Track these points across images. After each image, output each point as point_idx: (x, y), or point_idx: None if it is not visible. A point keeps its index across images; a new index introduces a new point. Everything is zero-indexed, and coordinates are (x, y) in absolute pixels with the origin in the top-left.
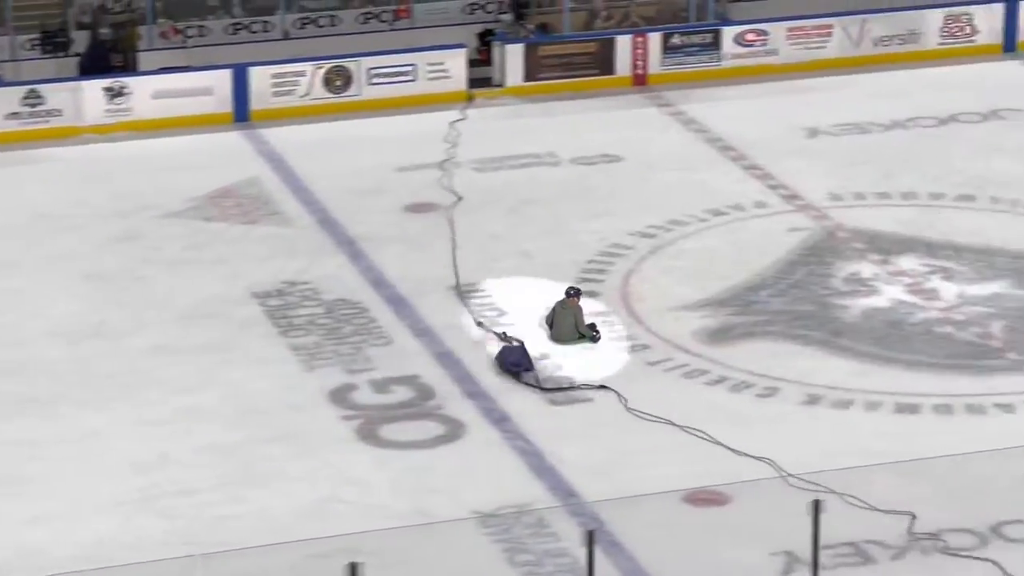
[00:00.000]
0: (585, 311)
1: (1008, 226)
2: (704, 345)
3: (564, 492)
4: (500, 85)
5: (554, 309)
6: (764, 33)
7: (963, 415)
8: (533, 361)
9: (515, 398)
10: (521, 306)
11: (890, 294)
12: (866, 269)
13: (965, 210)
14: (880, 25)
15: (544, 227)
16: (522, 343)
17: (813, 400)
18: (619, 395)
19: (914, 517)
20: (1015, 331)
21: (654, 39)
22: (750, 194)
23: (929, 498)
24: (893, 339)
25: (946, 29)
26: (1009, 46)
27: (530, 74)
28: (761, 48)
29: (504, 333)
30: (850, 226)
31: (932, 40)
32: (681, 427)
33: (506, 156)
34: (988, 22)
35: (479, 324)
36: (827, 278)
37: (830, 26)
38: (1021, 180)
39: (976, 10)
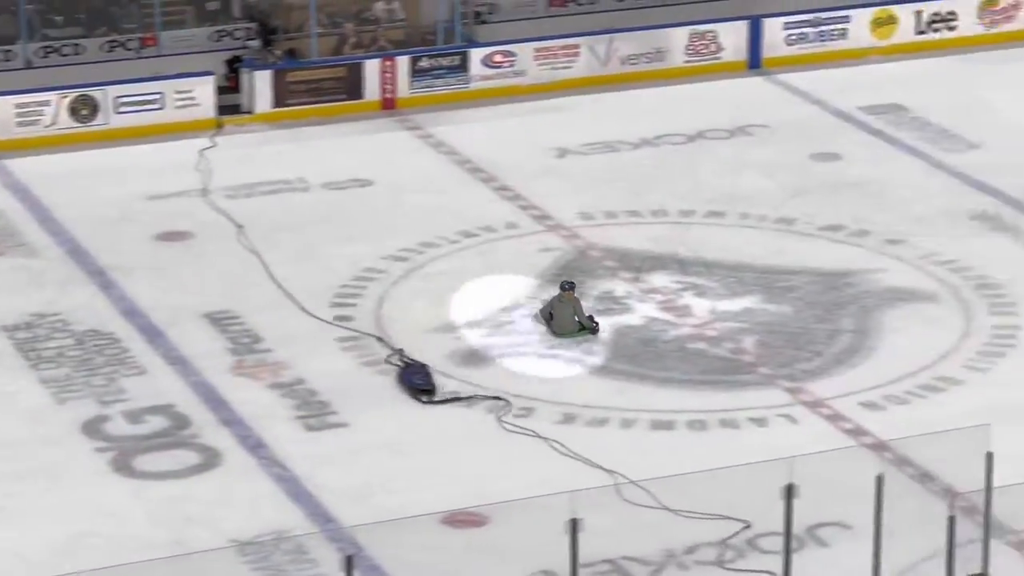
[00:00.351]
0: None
1: (757, 241)
2: (459, 367)
3: (322, 517)
4: (249, 112)
5: (551, 303)
6: (511, 54)
7: (717, 430)
8: (434, 383)
9: (271, 424)
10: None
11: (643, 312)
12: (618, 287)
13: (714, 226)
14: (627, 44)
15: (296, 253)
16: (424, 365)
17: (569, 419)
18: (507, 403)
19: (748, 525)
20: (766, 346)
21: (402, 63)
22: (501, 215)
23: (686, 513)
24: (647, 356)
25: (692, 47)
26: (754, 63)
27: (279, 100)
28: (509, 69)
29: (401, 351)
30: (601, 245)
31: (678, 58)
32: (545, 439)
33: (256, 183)
34: (733, 39)
35: (379, 340)
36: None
37: (577, 46)
38: (769, 195)
39: (721, 27)
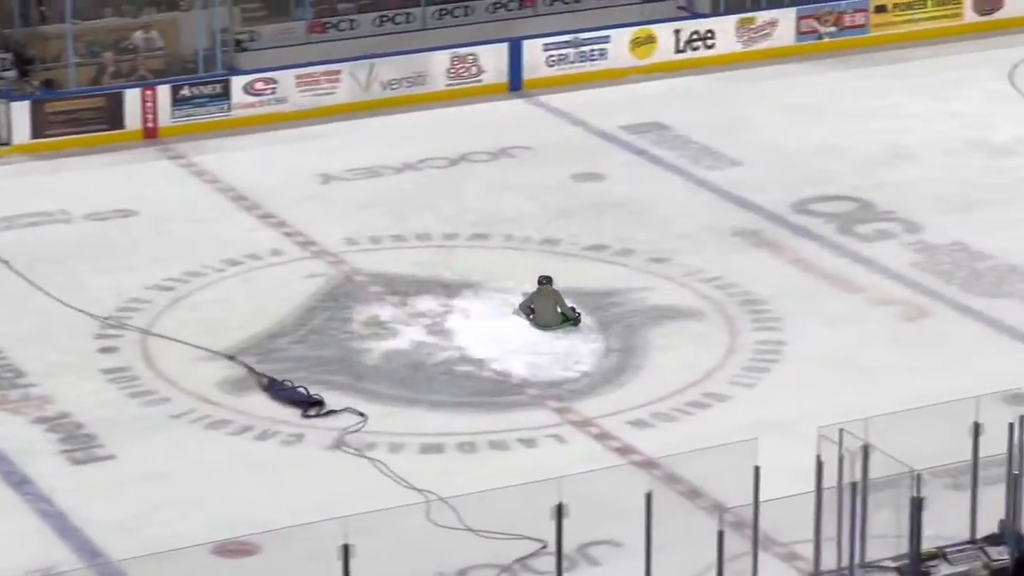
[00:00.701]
0: None
1: (520, 263)
2: (227, 395)
3: (90, 552)
4: (7, 143)
5: (531, 298)
6: (273, 81)
7: (487, 451)
8: (311, 394)
9: (36, 459)
10: None
11: (410, 335)
12: (385, 312)
13: (479, 248)
14: (388, 69)
15: (60, 285)
16: (283, 381)
17: (338, 444)
18: (364, 419)
19: (544, 545)
20: (533, 366)
21: (163, 91)
22: (266, 242)
23: (457, 535)
24: (415, 380)
25: (453, 70)
26: (515, 85)
27: (37, 131)
28: (271, 96)
29: (258, 374)
30: (367, 270)
31: (440, 81)
32: (372, 460)
33: (16, 215)
34: (494, 62)
35: (241, 364)
36: (347, 322)
37: (338, 72)
38: (532, 217)
39: (481, 50)
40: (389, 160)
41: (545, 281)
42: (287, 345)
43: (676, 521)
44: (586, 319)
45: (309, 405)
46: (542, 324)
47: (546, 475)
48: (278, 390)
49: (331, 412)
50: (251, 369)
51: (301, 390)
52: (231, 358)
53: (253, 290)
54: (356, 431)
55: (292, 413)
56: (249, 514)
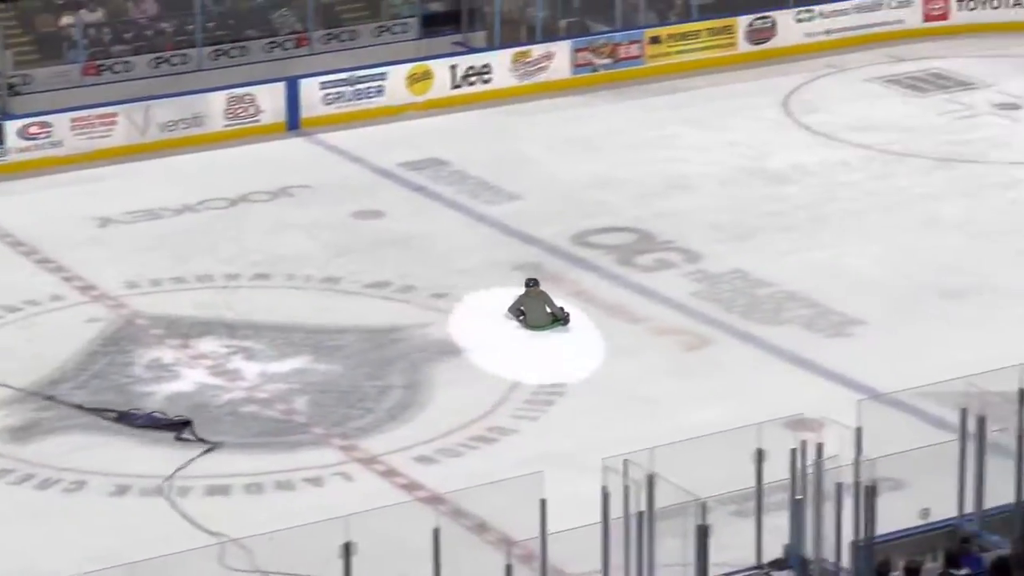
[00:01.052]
0: None
1: (303, 301)
2: (7, 444)
3: None
4: None
5: (520, 300)
6: (48, 125)
7: (273, 492)
8: (174, 416)
9: None
10: None
11: (193, 378)
12: (167, 355)
13: (261, 288)
14: (165, 110)
15: None
16: (130, 411)
17: (122, 490)
18: (212, 447)
19: None
20: (318, 405)
21: None
22: (44, 288)
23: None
24: (200, 422)
25: (231, 110)
26: (293, 124)
27: None
28: (46, 140)
29: (98, 411)
30: (148, 313)
31: (217, 122)
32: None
33: None
34: (271, 101)
35: (73, 406)
36: (128, 366)
37: (115, 114)
38: (312, 256)
39: (259, 90)
40: (168, 202)
41: (532, 283)
42: (69, 391)
43: (464, 556)
44: (366, 355)
45: (178, 427)
46: (533, 325)
47: (333, 514)
48: (135, 419)
49: (203, 440)
50: (81, 406)
51: (158, 415)
52: (49, 398)
53: (33, 336)
54: (183, 468)
55: (72, 460)
56: (32, 563)
